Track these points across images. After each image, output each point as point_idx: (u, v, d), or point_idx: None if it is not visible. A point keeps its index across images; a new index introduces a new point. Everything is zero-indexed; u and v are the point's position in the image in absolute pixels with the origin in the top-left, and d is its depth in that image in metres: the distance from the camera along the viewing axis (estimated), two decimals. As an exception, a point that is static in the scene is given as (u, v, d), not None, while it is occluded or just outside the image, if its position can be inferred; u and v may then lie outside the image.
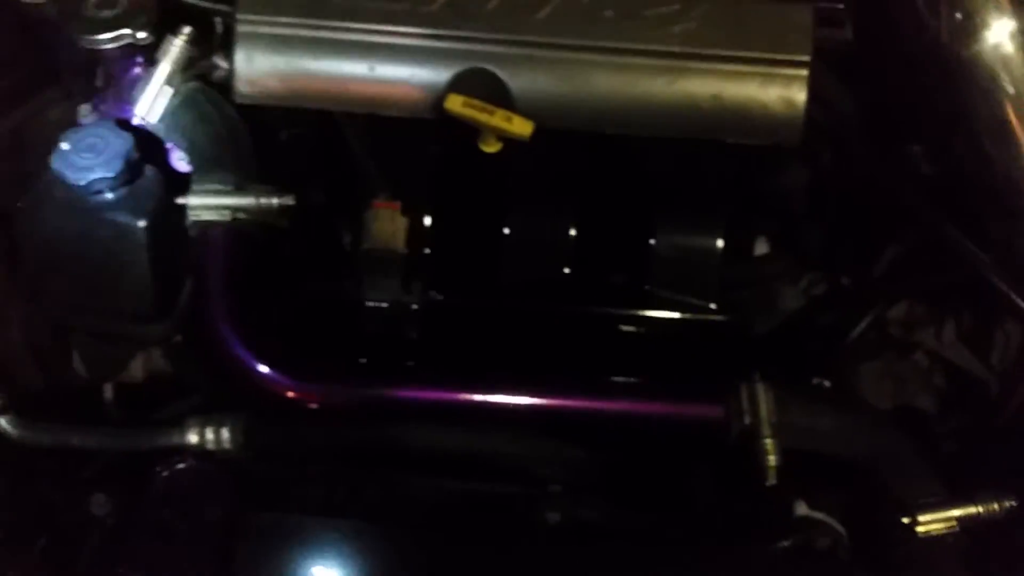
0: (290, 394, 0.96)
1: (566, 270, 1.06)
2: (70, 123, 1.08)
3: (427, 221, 1.05)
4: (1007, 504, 0.94)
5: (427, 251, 1.04)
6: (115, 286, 1.03)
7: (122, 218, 0.97)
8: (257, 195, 0.96)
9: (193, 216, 0.96)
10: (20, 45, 1.08)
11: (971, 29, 0.97)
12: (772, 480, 0.96)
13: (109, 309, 1.04)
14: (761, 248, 1.21)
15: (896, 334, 1.19)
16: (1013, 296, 1.02)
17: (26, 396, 1.03)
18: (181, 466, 0.97)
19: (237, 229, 0.96)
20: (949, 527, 0.94)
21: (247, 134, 1.01)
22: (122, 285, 1.02)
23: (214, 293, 0.95)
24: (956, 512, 0.94)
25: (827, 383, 1.10)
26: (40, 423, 1.00)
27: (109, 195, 0.97)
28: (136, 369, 1.13)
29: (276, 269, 1.04)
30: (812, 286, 1.19)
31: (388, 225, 1.00)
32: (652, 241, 1.06)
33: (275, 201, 0.96)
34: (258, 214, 0.97)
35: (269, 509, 0.96)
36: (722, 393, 0.99)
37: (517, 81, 0.97)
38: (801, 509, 0.97)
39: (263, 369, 0.96)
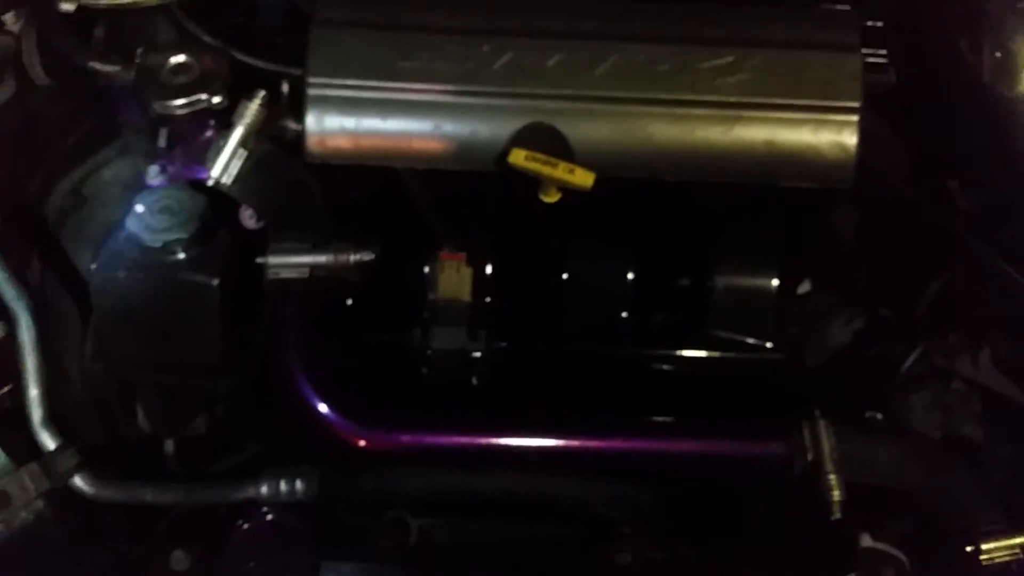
0: (361, 442, 1.02)
1: (625, 314, 1.13)
2: (131, 183, 1.14)
3: (490, 270, 1.12)
4: (1069, 528, 1.01)
5: (490, 300, 1.11)
6: (186, 343, 1.09)
7: (197, 277, 1.04)
8: (334, 251, 1.02)
9: (272, 274, 1.02)
10: (86, 105, 1.14)
11: (1013, 69, 1.05)
12: (837, 514, 1.02)
13: (178, 365, 1.11)
14: (804, 286, 1.29)
15: (939, 364, 1.26)
16: None
17: (91, 452, 1.09)
18: (258, 519, 1.03)
19: (313, 285, 1.02)
20: (1013, 554, 1.01)
21: (319, 192, 1.07)
22: (193, 342, 1.09)
23: (291, 346, 1.01)
24: (1019, 539, 1.01)
25: (880, 416, 1.18)
26: (113, 480, 1.06)
27: (183, 255, 1.04)
28: (199, 424, 1.20)
29: (346, 320, 1.10)
30: (855, 321, 1.27)
31: (454, 276, 1.07)
32: (709, 283, 1.14)
33: (352, 257, 1.02)
34: (335, 270, 1.03)
35: (346, 559, 1.02)
36: (783, 430, 1.05)
37: (577, 134, 1.03)
38: (866, 541, 1.03)
39: (335, 418, 1.02)
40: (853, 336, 1.24)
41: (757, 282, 1.14)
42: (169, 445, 1.16)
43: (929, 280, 1.23)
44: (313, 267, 1.02)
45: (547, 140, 1.03)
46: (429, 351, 1.08)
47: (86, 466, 1.05)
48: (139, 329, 1.07)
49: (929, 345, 1.23)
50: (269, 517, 1.01)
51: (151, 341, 1.08)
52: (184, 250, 1.03)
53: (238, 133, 1.02)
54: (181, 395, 1.15)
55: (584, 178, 1.02)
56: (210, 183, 1.03)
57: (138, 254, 1.03)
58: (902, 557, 1.02)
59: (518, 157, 1.02)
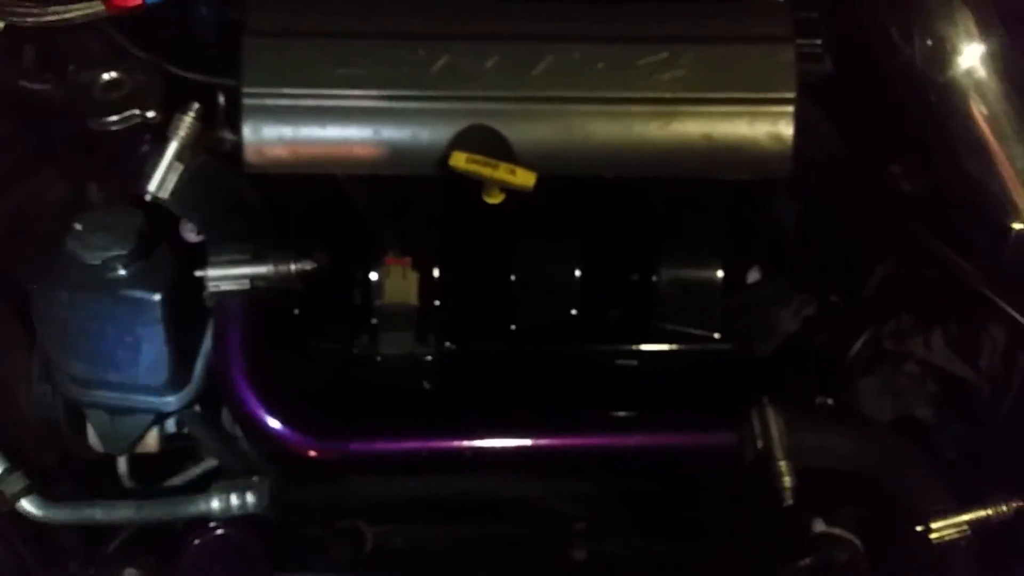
0: (312, 453, 1.03)
1: (573, 311, 1.14)
2: (68, 201, 1.14)
3: (436, 274, 1.12)
4: (1015, 504, 1.04)
5: (438, 303, 1.12)
6: (132, 360, 1.08)
7: (138, 293, 1.04)
8: (274, 262, 1.02)
9: (212, 287, 1.02)
10: (19, 125, 1.14)
11: (943, 55, 1.07)
12: (789, 500, 1.04)
13: (125, 383, 1.10)
14: (753, 275, 1.31)
15: (888, 347, 1.29)
16: (1000, 303, 1.11)
17: (41, 474, 1.08)
18: (210, 534, 1.03)
19: (255, 296, 1.03)
20: (961, 532, 1.04)
21: (258, 203, 1.07)
22: (138, 359, 1.08)
23: (234, 359, 1.01)
24: (967, 516, 1.03)
25: (830, 401, 1.20)
26: (62, 501, 1.06)
27: (123, 271, 1.04)
28: (151, 440, 1.19)
29: (292, 330, 1.11)
30: (804, 308, 1.29)
31: (400, 281, 1.07)
32: (654, 277, 1.15)
33: (293, 267, 1.02)
34: (276, 280, 1.03)
35: (300, 571, 1.03)
36: (733, 420, 1.07)
37: (517, 134, 1.04)
38: (819, 526, 1.06)
39: (285, 430, 1.02)
40: (802, 323, 1.26)
41: (702, 274, 1.16)
42: (122, 463, 1.16)
43: (875, 265, 1.26)
44: (253, 278, 1.02)
45: (487, 142, 1.04)
46: (378, 357, 1.09)
47: (34, 489, 1.06)
48: (83, 348, 1.07)
49: (878, 329, 1.26)
50: (221, 532, 1.02)
51: (96, 361, 1.08)
52: (124, 266, 1.03)
53: (173, 147, 1.02)
54: (131, 412, 1.15)
55: (526, 178, 1.03)
56: (147, 198, 1.03)
57: (78, 272, 1.03)
58: (855, 540, 1.05)
59: (459, 160, 1.03)
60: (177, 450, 1.17)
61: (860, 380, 1.25)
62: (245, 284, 1.02)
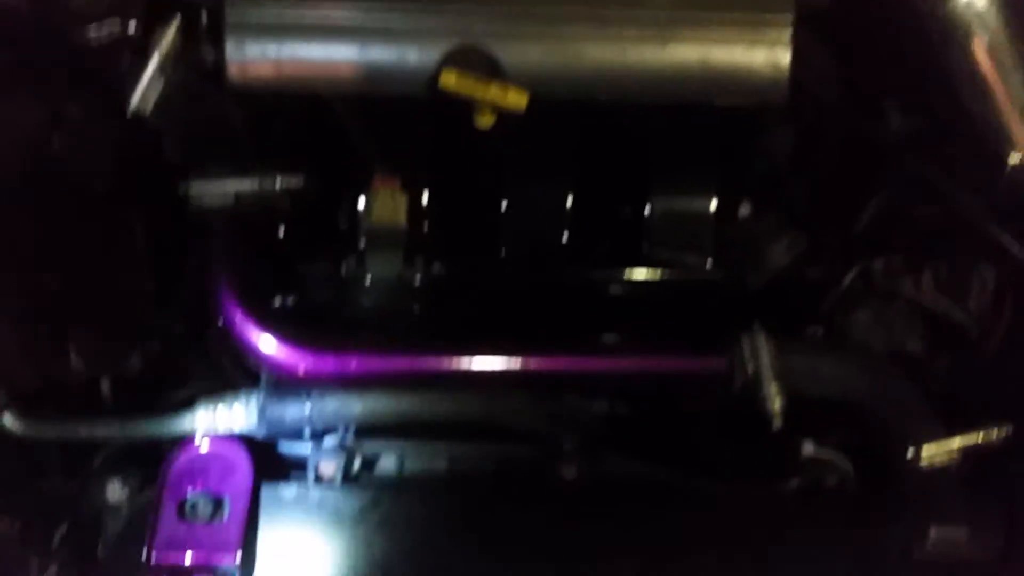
0: (302, 369, 1.02)
1: (564, 239, 1.13)
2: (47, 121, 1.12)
3: (426, 197, 1.11)
4: (1003, 432, 1.04)
5: (427, 227, 1.11)
6: (115, 278, 1.08)
7: (121, 208, 1.03)
8: (259, 178, 1.02)
9: (196, 202, 1.01)
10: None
11: (941, -13, 1.06)
12: (778, 424, 1.04)
13: (108, 302, 1.09)
14: (744, 210, 1.30)
15: (879, 282, 1.29)
16: (996, 234, 1.11)
17: (24, 394, 1.07)
18: (196, 447, 1.02)
19: (241, 213, 1.02)
20: (951, 457, 1.04)
21: (243, 120, 1.06)
22: (122, 276, 1.08)
23: (222, 276, 1.01)
24: (957, 442, 1.04)
25: (820, 332, 1.20)
26: (44, 417, 1.05)
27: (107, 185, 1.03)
28: (134, 362, 1.18)
29: (279, 252, 1.10)
30: (795, 242, 1.28)
31: (388, 201, 1.07)
32: (647, 205, 1.14)
33: (278, 183, 1.01)
34: (261, 197, 1.02)
35: (286, 484, 1.02)
36: (723, 346, 1.07)
37: (509, 54, 1.02)
38: (808, 449, 1.06)
39: (275, 346, 1.01)
40: (793, 257, 1.26)
41: (695, 202, 1.15)
42: (105, 385, 1.15)
43: (868, 200, 1.26)
44: (238, 195, 1.01)
45: (478, 61, 1.02)
46: (366, 280, 1.08)
47: (14, 405, 1.05)
48: (66, 266, 1.06)
49: (869, 263, 1.26)
50: (207, 445, 1.01)
51: (78, 278, 1.06)
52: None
53: (155, 60, 1.00)
54: (115, 332, 1.14)
55: (518, 99, 1.02)
56: (129, 114, 1.01)
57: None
58: (845, 464, 1.05)
59: (449, 79, 1.01)
60: (161, 375, 1.16)
61: (851, 313, 1.25)
62: (229, 200, 1.01)
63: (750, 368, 1.05)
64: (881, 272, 1.28)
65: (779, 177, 1.27)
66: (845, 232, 1.27)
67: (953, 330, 1.24)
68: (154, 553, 0.96)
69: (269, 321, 1.02)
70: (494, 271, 1.13)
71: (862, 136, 1.21)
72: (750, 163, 1.24)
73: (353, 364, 1.03)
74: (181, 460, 1.01)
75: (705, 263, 1.15)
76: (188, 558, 0.96)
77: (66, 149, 1.04)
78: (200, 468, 1.00)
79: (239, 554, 0.96)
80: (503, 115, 1.04)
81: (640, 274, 1.16)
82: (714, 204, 1.16)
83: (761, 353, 1.05)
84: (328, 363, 1.03)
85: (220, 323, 1.04)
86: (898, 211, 1.25)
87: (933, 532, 1.02)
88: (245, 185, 1.02)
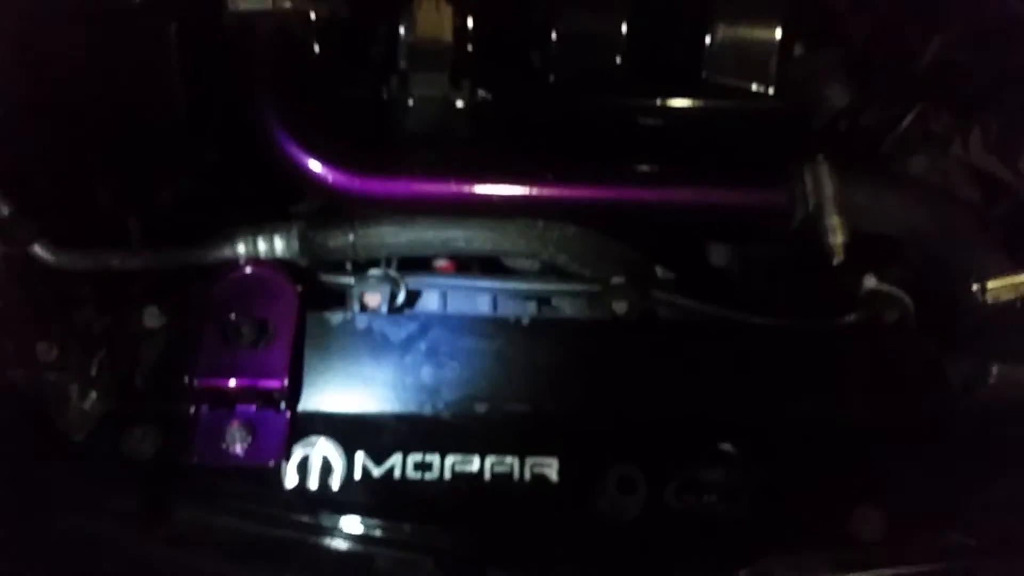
0: (348, 189, 0.97)
1: (618, 62, 1.07)
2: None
3: (472, 18, 1.05)
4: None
5: (473, 47, 1.05)
6: (143, 101, 1.02)
7: (155, 21, 0.97)
8: None
9: (232, 6, 0.95)
10: None
11: None
12: (840, 257, 1.01)
13: (136, 129, 1.04)
14: (803, 48, 1.25)
15: (936, 130, 1.25)
16: None
17: (54, 228, 1.03)
18: (239, 271, 0.98)
19: (280, 22, 0.96)
20: (1018, 292, 1.01)
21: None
22: (150, 99, 1.02)
23: (264, 90, 0.95)
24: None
25: (880, 173, 1.15)
26: (77, 248, 1.01)
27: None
28: (165, 198, 1.14)
29: (315, 73, 1.04)
30: (854, 82, 1.23)
31: (433, 14, 1.01)
32: (709, 27, 1.08)
33: None
34: (299, 13, 0.96)
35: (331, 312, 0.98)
36: (785, 179, 1.03)
37: None
38: (870, 282, 1.02)
39: (319, 167, 0.97)
40: (851, 98, 1.22)
41: (759, 30, 1.10)
42: (134, 223, 1.11)
43: (926, 44, 1.20)
44: (275, 9, 0.95)
45: None
46: (409, 101, 1.03)
47: (46, 234, 1.00)
48: (92, 89, 1.00)
49: (927, 107, 1.21)
50: (250, 270, 0.97)
51: (106, 102, 1.01)
52: (135, -8, 0.96)
53: None
54: (143, 165, 1.09)
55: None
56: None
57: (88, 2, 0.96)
58: (906, 299, 1.02)
59: None
60: (196, 207, 1.11)
61: (908, 158, 1.22)
62: (267, 3, 0.95)
63: (812, 201, 1.02)
64: (936, 118, 1.24)
65: (839, 15, 1.21)
66: (903, 76, 1.22)
67: (1002, 190, 1.22)
68: (196, 378, 0.93)
69: (313, 143, 0.97)
70: (543, 98, 1.08)
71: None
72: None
73: (398, 188, 0.99)
74: (223, 284, 0.96)
75: (768, 89, 1.10)
76: (232, 383, 0.94)
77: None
78: (243, 293, 0.96)
79: (286, 379, 0.94)
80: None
81: (698, 103, 1.11)
82: (779, 32, 1.10)
83: (824, 185, 1.02)
84: (373, 186, 0.98)
85: (259, 149, 0.98)
86: (955, 57, 1.20)
87: (995, 370, 0.99)
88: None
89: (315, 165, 0.97)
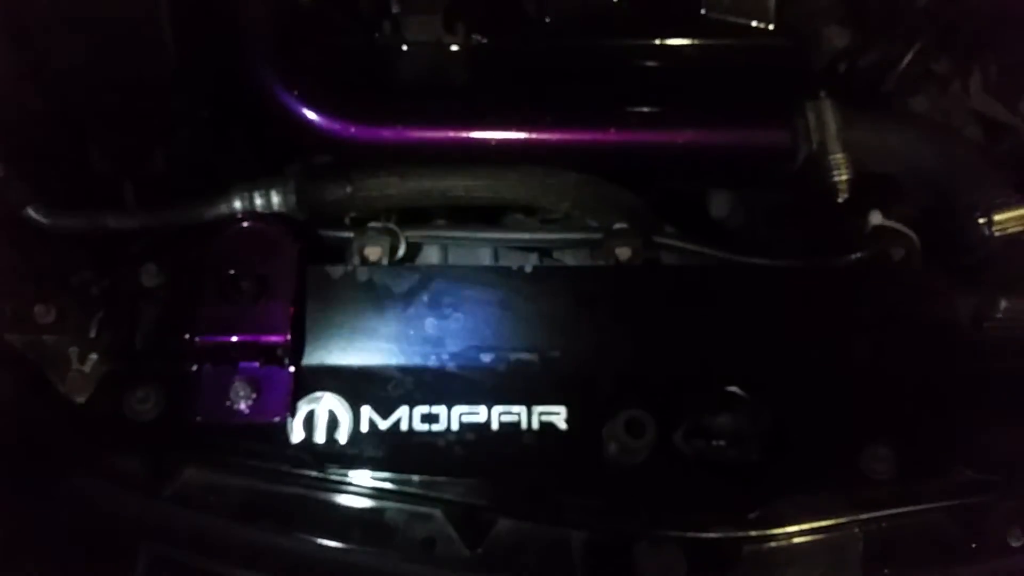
0: (343, 137, 0.96)
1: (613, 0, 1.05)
2: None
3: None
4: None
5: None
6: (133, 57, 1.00)
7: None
8: None
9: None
10: None
11: None
12: (844, 195, 1.00)
13: (127, 87, 1.02)
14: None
15: (937, 70, 1.23)
16: None
17: (48, 190, 1.02)
18: (238, 225, 0.96)
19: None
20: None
21: None
22: (140, 54, 1.00)
23: (256, 40, 0.94)
24: (1031, 209, 0.99)
25: (881, 111, 1.14)
26: (71, 209, 1.00)
27: (122, -53, 0.95)
28: (158, 160, 1.12)
29: (309, 20, 1.02)
30: (853, 22, 1.22)
31: (424, -44, 0.99)
32: None
33: None
34: None
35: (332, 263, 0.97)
36: (787, 116, 1.02)
37: None
38: (876, 219, 1.02)
39: (314, 115, 0.95)
40: (851, 38, 1.20)
41: None
42: (128, 189, 1.09)
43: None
44: None
45: None
46: (403, 46, 1.01)
47: (39, 197, 0.99)
48: (78, 42, 0.99)
49: (927, 47, 1.20)
50: (249, 224, 0.95)
51: (93, 56, 0.99)
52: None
53: None
54: (136, 123, 1.07)
55: None
56: None
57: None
58: (912, 235, 1.01)
59: None
60: (190, 164, 1.10)
61: (909, 98, 1.21)
62: None
63: (815, 139, 1.01)
64: (936, 58, 1.23)
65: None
66: (902, 15, 1.21)
67: (1002, 132, 1.20)
68: (197, 336, 0.92)
69: (307, 92, 0.96)
70: (539, 39, 1.06)
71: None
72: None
73: (395, 135, 0.97)
74: (221, 240, 0.95)
75: (768, 25, 1.08)
76: (235, 339, 0.92)
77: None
78: (242, 248, 0.94)
79: (289, 334, 0.93)
80: None
81: (696, 40, 1.09)
82: None
83: (828, 122, 1.01)
84: (369, 134, 0.97)
85: (253, 100, 0.97)
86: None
87: (1004, 303, 0.98)
88: None
89: (310, 114, 0.96)
